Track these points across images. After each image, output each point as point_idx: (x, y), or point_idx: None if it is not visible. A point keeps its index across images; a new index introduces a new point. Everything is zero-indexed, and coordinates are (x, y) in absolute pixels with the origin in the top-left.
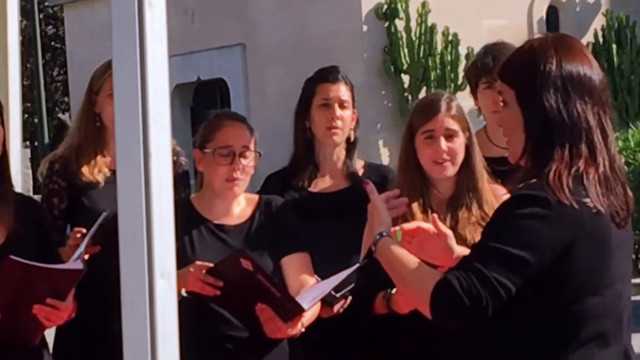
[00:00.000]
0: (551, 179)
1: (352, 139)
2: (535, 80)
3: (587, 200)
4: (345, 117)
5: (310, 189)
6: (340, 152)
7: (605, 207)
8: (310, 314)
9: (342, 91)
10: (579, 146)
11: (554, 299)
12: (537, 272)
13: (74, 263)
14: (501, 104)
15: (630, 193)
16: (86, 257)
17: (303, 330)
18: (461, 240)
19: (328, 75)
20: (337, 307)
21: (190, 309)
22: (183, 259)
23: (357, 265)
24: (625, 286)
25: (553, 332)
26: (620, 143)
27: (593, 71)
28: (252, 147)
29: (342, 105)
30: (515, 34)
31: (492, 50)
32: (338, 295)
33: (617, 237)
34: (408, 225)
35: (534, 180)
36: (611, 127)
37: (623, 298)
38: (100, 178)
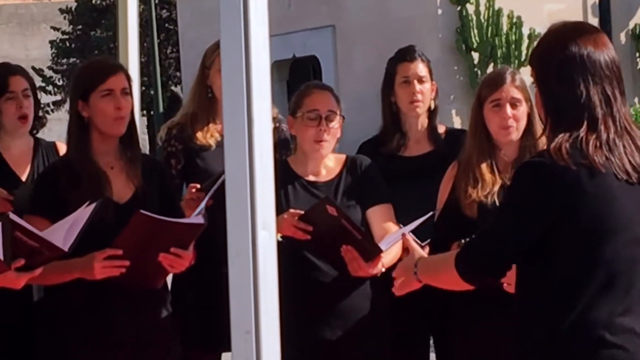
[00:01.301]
0: (552, 147)
1: (433, 107)
2: (546, 64)
3: (585, 161)
4: (424, 91)
5: (399, 154)
6: (423, 120)
7: (607, 166)
8: (390, 257)
9: (420, 68)
10: (581, 119)
11: (563, 250)
12: (544, 228)
13: (197, 218)
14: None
15: None
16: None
17: (383, 270)
18: None
19: (406, 55)
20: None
21: (286, 256)
22: (279, 212)
23: (431, 213)
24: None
25: (567, 281)
26: None
27: (601, 52)
28: (337, 112)
29: (420, 81)
30: (571, 17)
31: None
32: (423, 244)
33: (624, 191)
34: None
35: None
36: (620, 97)
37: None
38: (212, 142)
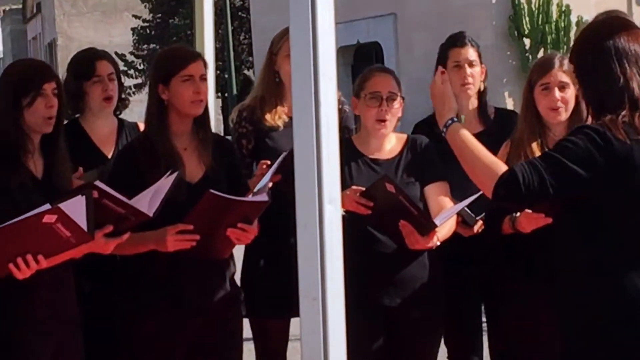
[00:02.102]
0: (607, 120)
1: (482, 89)
2: (584, 57)
3: (638, 137)
4: (475, 74)
5: None
6: (474, 102)
7: None
8: (445, 231)
9: (470, 53)
10: (623, 102)
11: (607, 214)
12: (590, 187)
13: (261, 196)
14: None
15: None
16: (270, 184)
17: (438, 243)
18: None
19: (457, 41)
20: (476, 228)
21: (349, 229)
22: (343, 187)
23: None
24: None
25: (610, 249)
26: None
27: (634, 42)
28: (398, 93)
29: (470, 65)
30: (616, 5)
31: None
32: (477, 218)
33: None
34: None
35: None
36: None
37: None
38: (280, 123)
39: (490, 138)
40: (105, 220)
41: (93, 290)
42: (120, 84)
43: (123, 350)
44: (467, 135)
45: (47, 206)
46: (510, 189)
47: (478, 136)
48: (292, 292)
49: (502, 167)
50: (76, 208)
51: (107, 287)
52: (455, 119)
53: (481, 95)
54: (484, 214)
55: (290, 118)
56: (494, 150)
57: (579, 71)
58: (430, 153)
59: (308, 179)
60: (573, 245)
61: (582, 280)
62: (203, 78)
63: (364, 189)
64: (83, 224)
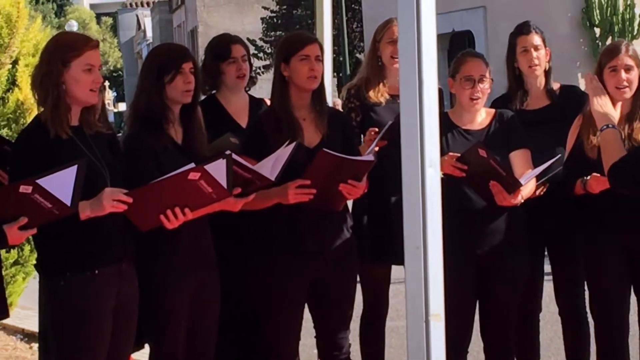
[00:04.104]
0: None
1: (547, 68)
2: None
3: None
4: (540, 57)
5: (522, 108)
6: (541, 80)
7: None
8: (527, 190)
9: (535, 39)
10: None
11: None
12: None
13: (368, 156)
14: None
15: None
16: (376, 149)
17: (522, 200)
18: (636, 142)
19: (523, 29)
20: (538, 191)
21: (446, 189)
22: (441, 154)
23: (559, 155)
24: None
25: None
26: None
27: None
28: (487, 75)
29: (536, 49)
30: None
31: None
32: (545, 178)
33: None
34: None
35: None
36: None
37: None
38: (382, 99)
39: (556, 109)
40: (235, 184)
41: (227, 242)
42: (251, 64)
43: (255, 293)
44: (616, 140)
45: (192, 165)
46: (619, 174)
47: (545, 109)
48: (392, 241)
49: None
50: (218, 169)
51: (239, 240)
52: (610, 125)
53: (547, 74)
54: (553, 173)
55: (391, 95)
56: (561, 119)
57: None
58: (515, 124)
59: (412, 146)
60: None
61: None
62: (318, 59)
63: (459, 154)
64: (223, 182)
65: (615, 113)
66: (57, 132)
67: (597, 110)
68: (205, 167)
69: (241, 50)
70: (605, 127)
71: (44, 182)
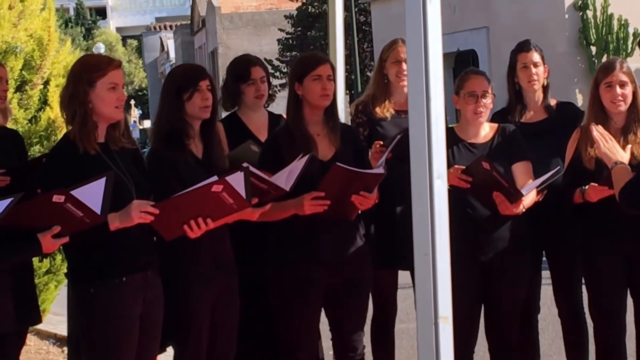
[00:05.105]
0: None
1: (545, 84)
2: None
3: None
4: (539, 73)
5: (521, 121)
6: (539, 95)
7: None
8: (529, 200)
9: (535, 56)
10: None
11: None
12: None
13: (379, 169)
14: None
15: None
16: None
17: (524, 210)
18: (632, 155)
19: (524, 47)
20: (538, 196)
21: (453, 199)
22: (447, 166)
23: (558, 167)
24: None
25: None
26: None
27: None
28: (489, 90)
29: (535, 65)
30: None
31: None
32: (544, 185)
33: None
34: None
35: None
36: None
37: None
38: (387, 115)
39: (553, 123)
40: (252, 194)
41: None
42: (269, 83)
43: (274, 297)
44: (624, 172)
45: (215, 178)
46: (628, 195)
47: (543, 122)
48: (399, 249)
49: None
50: (237, 180)
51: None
52: (619, 163)
53: (545, 90)
54: (551, 180)
55: (396, 111)
56: (557, 132)
57: None
58: (517, 138)
59: (421, 159)
60: None
61: None
62: (329, 78)
63: (464, 167)
64: (243, 194)
65: (623, 153)
66: (85, 148)
67: (605, 154)
68: (227, 178)
69: (260, 72)
70: (614, 165)
71: (75, 192)
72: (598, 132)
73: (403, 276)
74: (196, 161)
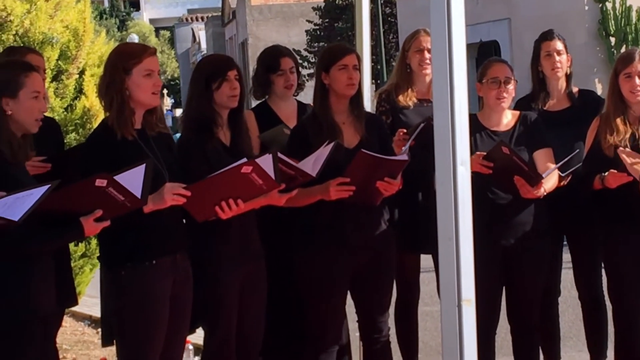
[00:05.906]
0: None
1: (569, 72)
2: None
3: None
4: (562, 61)
5: (544, 109)
6: (562, 83)
7: None
8: (550, 184)
9: (558, 45)
10: None
11: None
12: None
13: (402, 156)
14: None
15: None
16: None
17: (545, 193)
18: None
19: (547, 35)
20: (563, 182)
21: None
22: (470, 153)
23: (577, 150)
24: None
25: None
26: None
27: None
28: (512, 77)
29: (559, 54)
30: None
31: None
32: (570, 170)
33: None
34: None
35: None
36: None
37: None
38: (410, 103)
39: (576, 111)
40: (280, 179)
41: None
42: (299, 73)
43: (302, 281)
44: None
45: (244, 160)
46: None
47: (565, 110)
48: (421, 233)
49: None
50: (266, 162)
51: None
52: None
53: (568, 78)
54: (574, 168)
55: (419, 99)
56: (580, 120)
57: None
58: (538, 125)
59: (445, 146)
60: None
61: None
62: (355, 68)
63: (484, 153)
64: (272, 175)
65: None
66: (123, 134)
67: (636, 169)
68: (257, 160)
69: (289, 63)
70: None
71: (118, 177)
72: (627, 151)
73: (425, 260)
74: (224, 148)
